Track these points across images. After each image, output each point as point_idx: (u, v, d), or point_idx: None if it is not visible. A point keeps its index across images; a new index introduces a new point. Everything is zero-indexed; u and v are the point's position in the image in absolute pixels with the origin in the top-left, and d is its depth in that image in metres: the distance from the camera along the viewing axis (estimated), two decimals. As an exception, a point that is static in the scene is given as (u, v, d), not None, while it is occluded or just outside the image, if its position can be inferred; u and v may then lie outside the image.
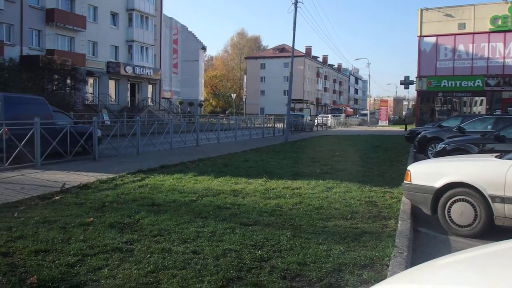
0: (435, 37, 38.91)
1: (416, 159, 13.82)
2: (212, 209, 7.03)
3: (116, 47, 45.26)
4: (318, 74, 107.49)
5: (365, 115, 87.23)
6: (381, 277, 4.28)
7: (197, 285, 4.08)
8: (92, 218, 6.32)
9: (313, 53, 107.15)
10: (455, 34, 38.05)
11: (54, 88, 34.67)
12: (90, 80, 42.18)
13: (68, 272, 4.35)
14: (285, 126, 28.45)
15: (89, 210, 6.92)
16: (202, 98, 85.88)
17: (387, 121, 67.09)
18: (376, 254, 5.03)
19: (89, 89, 42.49)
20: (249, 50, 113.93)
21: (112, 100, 44.83)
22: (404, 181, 7.41)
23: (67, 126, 13.78)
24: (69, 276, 4.24)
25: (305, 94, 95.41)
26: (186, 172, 11.20)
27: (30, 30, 35.62)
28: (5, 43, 32.49)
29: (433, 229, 6.91)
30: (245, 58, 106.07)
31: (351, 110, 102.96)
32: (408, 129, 28.01)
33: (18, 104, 14.11)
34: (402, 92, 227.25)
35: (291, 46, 27.77)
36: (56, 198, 7.87)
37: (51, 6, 36.67)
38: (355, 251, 5.16)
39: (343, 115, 72.86)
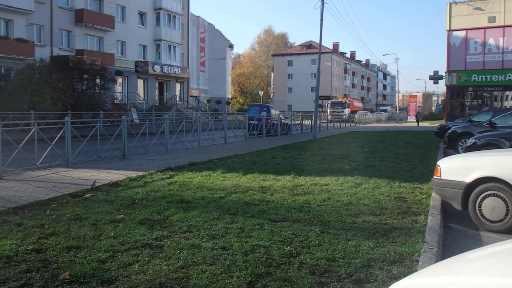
0: (464, 31, 38.14)
1: (446, 155, 13.56)
2: (240, 206, 7.05)
3: (144, 46, 45.82)
4: (345, 70, 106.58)
5: (385, 110, 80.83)
6: (411, 273, 4.20)
7: (226, 281, 4.10)
8: (122, 215, 6.42)
9: (341, 49, 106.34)
10: (485, 28, 37.21)
11: (84, 87, 35.35)
12: (119, 80, 42.81)
13: (99, 268, 4.42)
14: (312, 122, 28.30)
15: (119, 207, 7.03)
16: (230, 96, 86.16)
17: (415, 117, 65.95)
18: (406, 249, 4.96)
19: (118, 88, 43.13)
20: (276, 47, 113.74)
21: (141, 98, 45.42)
22: (434, 176, 7.28)
23: (263, 118, 26.25)
24: (101, 272, 4.31)
25: (333, 90, 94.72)
26: (215, 169, 11.26)
27: (60, 31, 36.37)
28: (36, 44, 33.28)
29: (463, 225, 6.79)
30: (272, 55, 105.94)
31: (360, 104, 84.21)
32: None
33: (267, 108, 30.27)
34: (431, 87, 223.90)
35: (318, 42, 27.61)
36: (87, 195, 8.02)
37: (80, 7, 37.37)
38: (385, 246, 5.10)
39: (347, 110, 60.33)
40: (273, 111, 30.32)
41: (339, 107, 61.41)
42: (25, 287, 4.01)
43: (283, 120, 30.03)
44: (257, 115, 27.23)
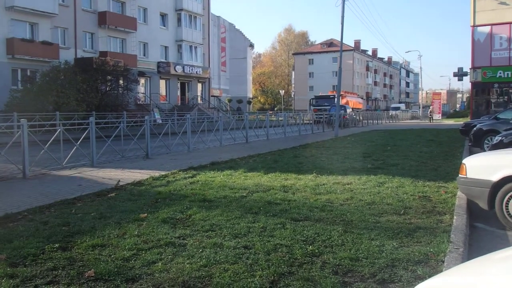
0: (489, 26, 37.35)
1: (471, 153, 13.33)
2: (262, 205, 7.04)
3: (166, 47, 46.17)
4: (367, 68, 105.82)
5: (398, 108, 73.08)
6: (436, 273, 4.14)
7: (249, 279, 4.10)
8: (145, 214, 6.48)
9: (362, 47, 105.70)
10: (510, 23, 36.42)
11: (107, 88, 35.78)
12: (142, 80, 43.24)
13: (123, 266, 4.47)
14: (335, 121, 28.15)
15: (143, 206, 7.09)
16: (251, 95, 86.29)
17: (440, 115, 65.00)
18: (431, 249, 4.89)
19: (141, 89, 43.56)
20: (297, 46, 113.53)
21: (163, 99, 45.77)
22: (460, 175, 7.17)
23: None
24: (125, 270, 4.36)
25: (355, 88, 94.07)
26: (236, 168, 11.28)
27: (84, 33, 36.89)
28: (61, 47, 33.83)
29: (490, 224, 6.67)
30: (293, 54, 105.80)
31: (358, 100, 64.59)
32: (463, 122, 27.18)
33: (344, 107, 39.42)
34: (456, 84, 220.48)
35: (340, 40, 27.39)
36: (111, 194, 8.12)
37: (103, 9, 37.86)
38: (409, 246, 5.04)
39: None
40: (348, 110, 40.94)
41: (326, 104, 46.34)
42: (51, 284, 4.08)
43: (354, 116, 41.13)
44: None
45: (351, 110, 42.24)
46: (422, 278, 4.08)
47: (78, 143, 12.13)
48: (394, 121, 54.03)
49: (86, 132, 12.80)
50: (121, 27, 39.16)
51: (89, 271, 4.30)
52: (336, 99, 28.29)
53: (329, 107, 44.31)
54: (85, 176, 10.48)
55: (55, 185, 9.24)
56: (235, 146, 18.78)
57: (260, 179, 9.69)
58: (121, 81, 36.73)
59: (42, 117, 24.68)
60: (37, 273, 4.29)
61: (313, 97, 54.73)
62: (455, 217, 6.28)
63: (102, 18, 37.64)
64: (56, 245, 5.10)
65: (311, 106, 49.29)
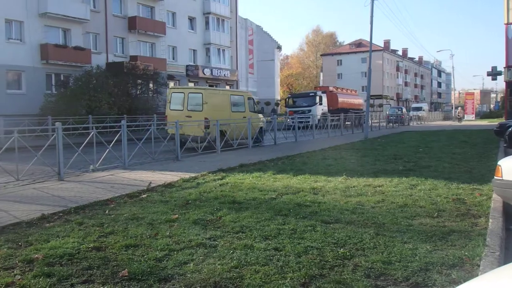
0: (523, 24, 36.39)
1: (507, 154, 13.00)
2: (292, 207, 7.03)
3: (194, 51, 46.55)
4: (397, 68, 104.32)
5: (419, 109, 63.68)
6: (472, 277, 4.06)
7: (280, 281, 4.10)
8: (177, 215, 6.55)
9: (392, 47, 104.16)
10: (545, 20, 35.39)
11: (138, 92, 36.26)
12: (171, 84, 43.67)
13: (156, 266, 4.54)
14: (364, 122, 27.87)
15: (174, 207, 7.18)
16: (279, 97, 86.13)
17: (473, 115, 63.60)
18: (466, 253, 4.80)
19: (170, 92, 43.92)
20: (325, 47, 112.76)
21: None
22: (495, 177, 7.01)
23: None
24: (157, 270, 4.42)
25: (385, 89, 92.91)
26: (265, 170, 11.29)
27: (115, 38, 37.54)
28: (92, 52, 34.50)
29: (528, 228, 6.48)
30: (321, 55, 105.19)
31: (355, 99, 48.96)
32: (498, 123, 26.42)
33: (401, 109, 53.96)
34: (489, 84, 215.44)
35: (369, 40, 27.14)
36: (143, 196, 8.24)
37: (132, 14, 38.44)
38: (443, 250, 4.95)
39: (319, 108, 37.18)
40: (404, 111, 49.74)
41: (304, 105, 37.79)
42: (86, 283, 4.17)
43: (406, 116, 48.62)
44: (394, 113, 45.83)
45: (405, 111, 52.19)
46: (457, 282, 4.01)
47: (110, 145, 12.36)
48: (423, 123, 53.15)
49: (118, 135, 13.01)
50: (150, 32, 39.69)
51: (123, 271, 4.38)
52: (366, 101, 27.94)
53: (309, 108, 36.56)
54: (117, 178, 10.66)
55: (89, 187, 9.43)
56: (264, 148, 18.80)
57: (290, 181, 9.68)
58: (151, 85, 37.15)
59: (75, 120, 25.17)
60: (72, 272, 4.39)
61: (289, 95, 44.86)
62: (490, 220, 6.14)
63: (132, 23, 38.23)
64: (91, 245, 5.21)
65: (287, 108, 40.23)
